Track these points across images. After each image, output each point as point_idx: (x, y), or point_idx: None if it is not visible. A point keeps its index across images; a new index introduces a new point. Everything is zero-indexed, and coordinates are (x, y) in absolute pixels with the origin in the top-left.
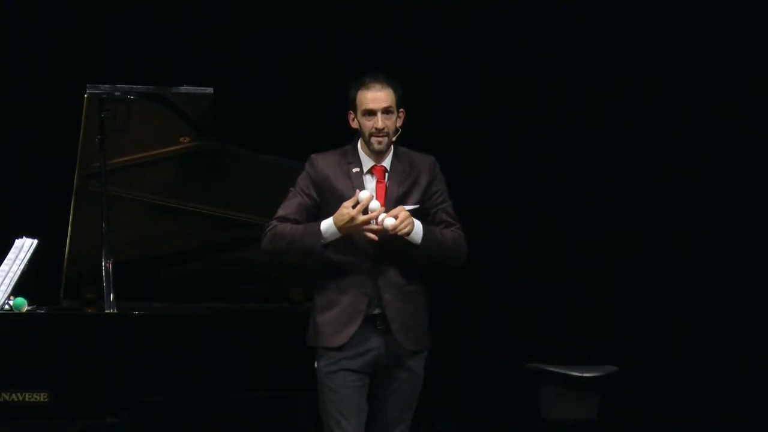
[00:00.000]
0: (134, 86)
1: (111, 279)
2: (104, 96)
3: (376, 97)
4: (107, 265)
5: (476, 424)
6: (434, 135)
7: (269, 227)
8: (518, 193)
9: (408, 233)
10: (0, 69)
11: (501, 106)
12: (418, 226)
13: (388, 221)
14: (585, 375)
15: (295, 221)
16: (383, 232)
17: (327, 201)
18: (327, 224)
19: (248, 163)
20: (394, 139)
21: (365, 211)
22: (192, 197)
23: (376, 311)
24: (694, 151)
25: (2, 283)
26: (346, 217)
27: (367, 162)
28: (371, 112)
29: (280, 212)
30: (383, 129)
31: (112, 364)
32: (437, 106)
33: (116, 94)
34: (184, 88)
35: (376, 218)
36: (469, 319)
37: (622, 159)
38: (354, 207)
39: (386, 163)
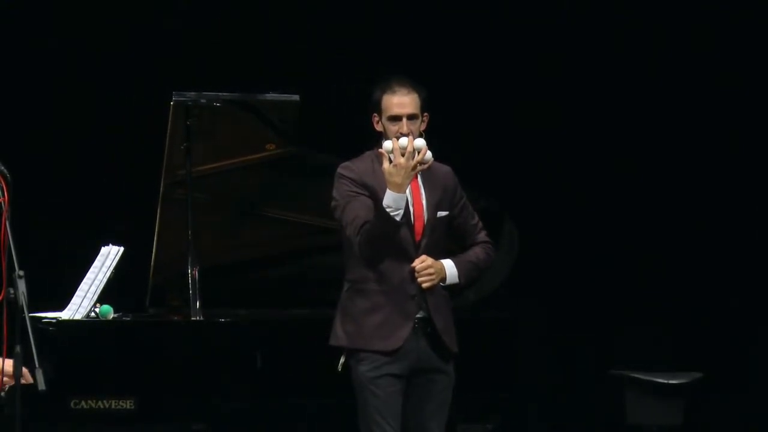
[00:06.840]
0: (220, 93)
1: (197, 286)
2: (190, 103)
3: (402, 102)
4: (193, 272)
5: (562, 429)
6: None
7: (357, 236)
8: (599, 198)
9: (433, 283)
10: (89, 77)
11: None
12: (450, 267)
13: (419, 141)
14: (670, 382)
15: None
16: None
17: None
18: (387, 199)
19: (333, 170)
20: None
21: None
22: (277, 204)
23: (421, 314)
24: None
25: (88, 290)
26: (396, 170)
27: None
28: (397, 118)
29: (355, 220)
30: (408, 135)
31: (198, 371)
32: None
33: (202, 101)
34: (270, 96)
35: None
36: (553, 324)
37: (714, 157)
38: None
39: None
